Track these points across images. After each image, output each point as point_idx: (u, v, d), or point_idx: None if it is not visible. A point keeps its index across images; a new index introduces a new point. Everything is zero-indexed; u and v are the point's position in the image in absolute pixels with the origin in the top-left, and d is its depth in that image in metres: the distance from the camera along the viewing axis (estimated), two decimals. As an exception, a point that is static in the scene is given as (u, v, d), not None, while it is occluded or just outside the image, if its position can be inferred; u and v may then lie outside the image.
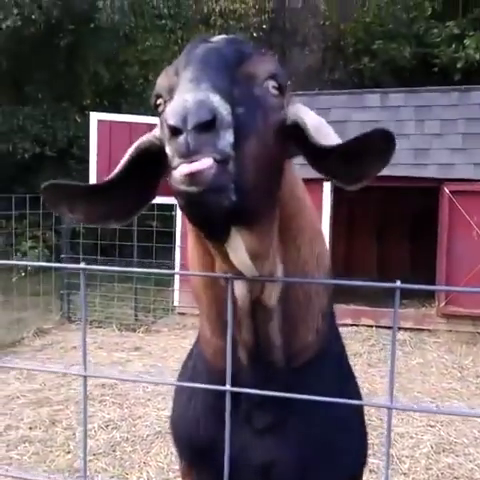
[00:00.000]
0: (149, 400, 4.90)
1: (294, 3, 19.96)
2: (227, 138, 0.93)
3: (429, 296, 7.76)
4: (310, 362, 1.41)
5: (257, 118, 1.04)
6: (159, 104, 1.15)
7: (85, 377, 1.15)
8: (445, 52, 12.95)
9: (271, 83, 1.10)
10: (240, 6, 16.26)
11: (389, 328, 6.87)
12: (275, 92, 1.11)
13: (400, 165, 6.88)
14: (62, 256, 7.94)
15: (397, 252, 10.19)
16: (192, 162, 0.90)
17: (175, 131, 0.91)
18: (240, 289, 1.24)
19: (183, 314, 7.67)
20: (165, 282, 8.23)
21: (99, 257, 8.27)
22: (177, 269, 7.76)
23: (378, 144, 0.98)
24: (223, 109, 0.92)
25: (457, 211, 6.76)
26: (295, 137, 1.09)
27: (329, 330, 1.48)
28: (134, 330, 7.29)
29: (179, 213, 7.15)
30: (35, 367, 5.53)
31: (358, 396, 1.66)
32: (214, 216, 0.98)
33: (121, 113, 9.97)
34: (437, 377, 5.59)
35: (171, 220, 7.81)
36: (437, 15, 13.87)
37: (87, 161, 7.89)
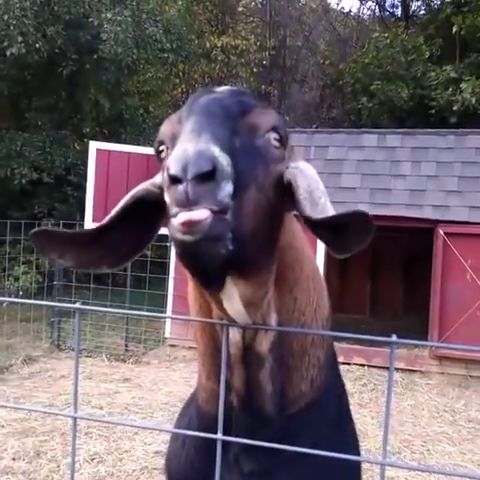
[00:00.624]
0: (136, 434, 4.80)
1: (294, 41, 20.36)
2: (227, 189, 0.93)
3: (422, 337, 7.73)
4: (306, 409, 1.39)
5: (258, 169, 1.04)
6: (162, 150, 1.16)
7: (75, 419, 1.12)
8: (442, 95, 13.19)
9: (273, 135, 1.11)
10: (242, 42, 16.56)
11: (381, 368, 6.82)
12: (276, 144, 1.11)
13: (395, 205, 6.92)
14: (55, 283, 7.89)
15: (390, 291, 10.20)
16: (190, 211, 0.91)
17: (175, 180, 0.91)
18: (234, 335, 1.24)
19: (174, 346, 7.61)
20: (157, 313, 8.16)
21: (92, 285, 8.22)
22: (170, 300, 7.71)
23: (357, 224, 0.97)
24: (223, 160, 0.93)
25: (451, 253, 6.77)
26: (290, 195, 1.09)
27: (328, 375, 1.46)
28: (124, 361, 7.21)
29: (174, 244, 7.15)
30: (23, 405, 5.40)
31: (355, 440, 1.63)
32: (210, 265, 0.98)
33: (120, 143, 10.05)
34: (428, 420, 5.53)
35: (166, 250, 7.79)
36: (435, 59, 14.20)
37: (83, 188, 7.90)
